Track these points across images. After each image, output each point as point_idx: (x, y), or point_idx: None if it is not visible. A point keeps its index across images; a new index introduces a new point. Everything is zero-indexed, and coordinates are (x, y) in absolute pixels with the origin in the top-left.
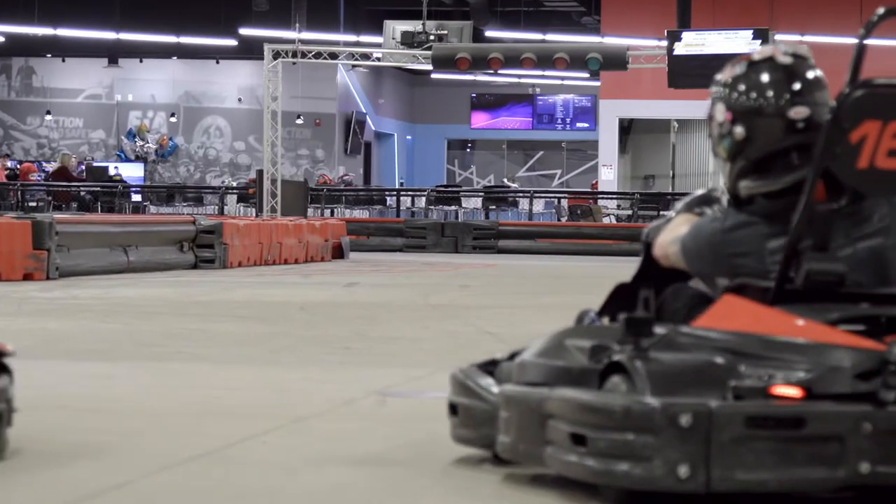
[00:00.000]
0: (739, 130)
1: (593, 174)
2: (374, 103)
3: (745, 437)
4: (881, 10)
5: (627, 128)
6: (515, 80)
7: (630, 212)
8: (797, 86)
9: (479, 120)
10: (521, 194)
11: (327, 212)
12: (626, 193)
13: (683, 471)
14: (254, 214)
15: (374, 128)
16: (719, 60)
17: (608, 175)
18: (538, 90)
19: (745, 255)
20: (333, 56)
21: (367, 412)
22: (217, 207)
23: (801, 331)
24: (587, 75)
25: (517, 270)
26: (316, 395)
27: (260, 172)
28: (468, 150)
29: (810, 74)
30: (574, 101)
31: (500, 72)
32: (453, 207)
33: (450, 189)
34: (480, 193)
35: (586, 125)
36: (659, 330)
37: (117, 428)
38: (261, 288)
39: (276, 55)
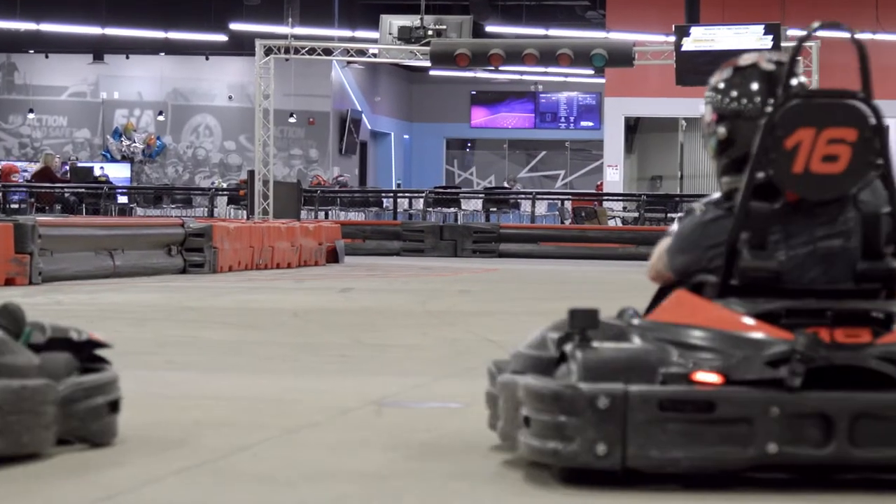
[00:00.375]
0: (723, 131)
1: (598, 175)
2: (370, 101)
3: (658, 419)
4: (815, 24)
5: (634, 127)
6: (517, 77)
7: (636, 214)
8: (777, 91)
9: (480, 118)
10: (522, 196)
11: (321, 214)
12: (632, 195)
13: (601, 449)
14: (245, 217)
15: (369, 127)
16: (729, 56)
17: (614, 176)
18: (541, 87)
19: (718, 246)
20: (328, 52)
21: (364, 422)
22: (206, 209)
23: (726, 322)
24: (592, 72)
25: (519, 275)
26: (310, 405)
27: (251, 173)
28: (468, 149)
29: (791, 81)
30: (578, 98)
31: (500, 68)
32: (452, 209)
33: (449, 190)
34: (481, 195)
35: (591, 124)
36: (612, 322)
37: None
38: (252, 293)
39: (268, 51)
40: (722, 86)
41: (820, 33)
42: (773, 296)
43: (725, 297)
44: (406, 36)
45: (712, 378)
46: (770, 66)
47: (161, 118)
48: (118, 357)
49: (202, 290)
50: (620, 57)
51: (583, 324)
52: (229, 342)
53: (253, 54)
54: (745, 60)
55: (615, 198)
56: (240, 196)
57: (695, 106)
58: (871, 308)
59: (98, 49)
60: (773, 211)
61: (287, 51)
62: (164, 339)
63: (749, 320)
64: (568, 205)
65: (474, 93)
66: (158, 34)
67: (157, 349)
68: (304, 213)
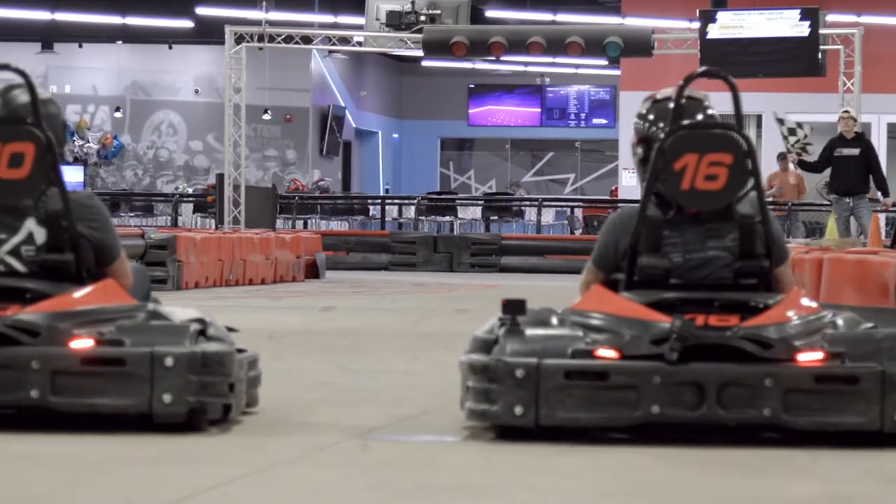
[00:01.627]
0: (640, 151)
1: (613, 179)
2: (354, 96)
3: (564, 386)
4: (701, 69)
5: None
6: (521, 68)
7: None
8: (683, 122)
9: (479, 115)
10: (527, 203)
11: (300, 223)
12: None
13: (518, 410)
14: (213, 226)
15: (354, 124)
16: (760, 45)
17: (630, 180)
18: (548, 80)
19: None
20: (307, 40)
21: (347, 459)
22: (170, 218)
23: (624, 310)
24: (605, 63)
25: (523, 292)
26: (287, 439)
27: (220, 177)
28: (465, 150)
29: (699, 115)
30: (590, 93)
31: (502, 59)
32: (448, 218)
33: (444, 196)
34: (480, 202)
35: (604, 121)
36: (539, 310)
37: (53, 477)
38: (222, 313)
39: (240, 39)
40: (643, 113)
41: (862, 19)
42: (666, 289)
43: (629, 290)
44: (395, 22)
45: (610, 353)
46: (681, 101)
47: (118, 115)
48: None
49: None
50: (638, 46)
51: (513, 311)
52: None
53: (222, 43)
54: (662, 94)
55: (632, 204)
56: (207, 203)
57: (722, 101)
58: (740, 299)
59: (47, 37)
60: (665, 220)
61: (261, 38)
62: None
63: (641, 308)
64: (578, 213)
65: (472, 86)
66: (115, 20)
67: None
68: (280, 223)
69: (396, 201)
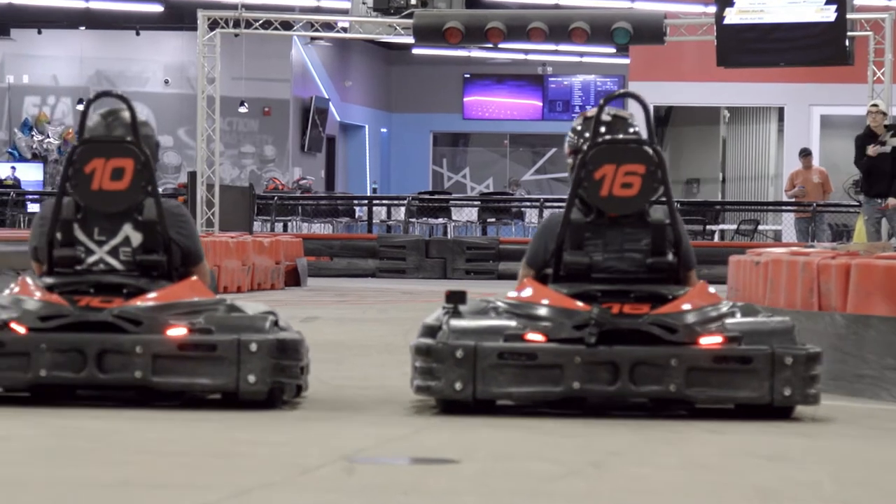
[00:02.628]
0: (570, 162)
1: None
2: (339, 87)
3: (498, 365)
4: (620, 91)
5: (665, 118)
6: (521, 56)
7: None
8: (606, 138)
9: (475, 108)
10: (527, 203)
11: (279, 226)
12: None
13: (458, 386)
14: None
15: (339, 118)
16: (782, 31)
17: None
18: (550, 70)
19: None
20: (287, 26)
21: (331, 483)
22: None
23: (551, 300)
24: (613, 51)
25: None
26: (266, 461)
27: (192, 175)
28: (460, 146)
29: (619, 134)
30: (596, 83)
31: (500, 46)
32: (441, 220)
33: (436, 197)
34: (476, 202)
35: None
36: (478, 300)
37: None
38: None
39: (214, 24)
40: (574, 127)
41: (895, 3)
42: (588, 282)
43: (556, 283)
44: (383, 6)
45: (538, 337)
46: (607, 118)
47: (81, 108)
48: (30, 403)
49: None
50: (648, 32)
51: (455, 301)
52: None
53: (194, 29)
54: (591, 112)
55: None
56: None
57: (740, 92)
58: (651, 291)
59: (3, 22)
60: (587, 223)
61: (237, 24)
62: None
63: (565, 299)
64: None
65: (468, 76)
66: (77, 3)
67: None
68: (257, 225)
69: (385, 202)
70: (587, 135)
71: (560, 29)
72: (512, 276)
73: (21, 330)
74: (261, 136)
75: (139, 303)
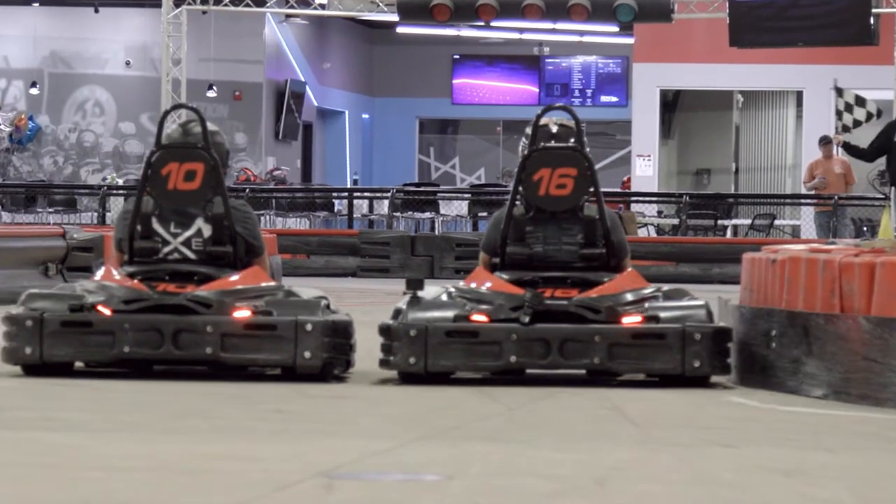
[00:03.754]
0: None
1: (625, 168)
2: (316, 69)
3: (446, 342)
4: (556, 105)
5: (672, 103)
6: (515, 35)
7: (676, 220)
8: (551, 143)
9: (465, 92)
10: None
11: None
12: (670, 195)
13: (412, 360)
14: None
15: (316, 103)
16: (800, 8)
17: (646, 169)
18: (547, 50)
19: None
20: (260, 2)
21: (309, 501)
22: (96, 215)
23: (494, 285)
24: (616, 30)
25: None
26: (237, 477)
27: None
28: (449, 133)
29: (565, 142)
30: (597, 65)
31: (493, 24)
32: (428, 215)
33: (423, 189)
34: (466, 195)
35: (614, 99)
36: (438, 286)
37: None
38: None
39: (180, 1)
40: (527, 133)
41: None
42: (528, 270)
43: (502, 270)
44: None
45: (481, 318)
46: (555, 128)
47: (35, 91)
48: None
49: None
50: (655, 9)
51: (414, 287)
52: (130, 393)
53: (159, 5)
54: (542, 122)
55: (647, 198)
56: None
57: (754, 75)
58: (583, 278)
59: None
60: (528, 218)
61: (205, 1)
62: (41, 390)
63: (506, 284)
64: None
65: (457, 57)
66: None
67: (30, 403)
68: None
69: (367, 195)
70: (532, 146)
71: (558, 5)
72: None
73: (107, 312)
74: (231, 123)
75: (209, 288)
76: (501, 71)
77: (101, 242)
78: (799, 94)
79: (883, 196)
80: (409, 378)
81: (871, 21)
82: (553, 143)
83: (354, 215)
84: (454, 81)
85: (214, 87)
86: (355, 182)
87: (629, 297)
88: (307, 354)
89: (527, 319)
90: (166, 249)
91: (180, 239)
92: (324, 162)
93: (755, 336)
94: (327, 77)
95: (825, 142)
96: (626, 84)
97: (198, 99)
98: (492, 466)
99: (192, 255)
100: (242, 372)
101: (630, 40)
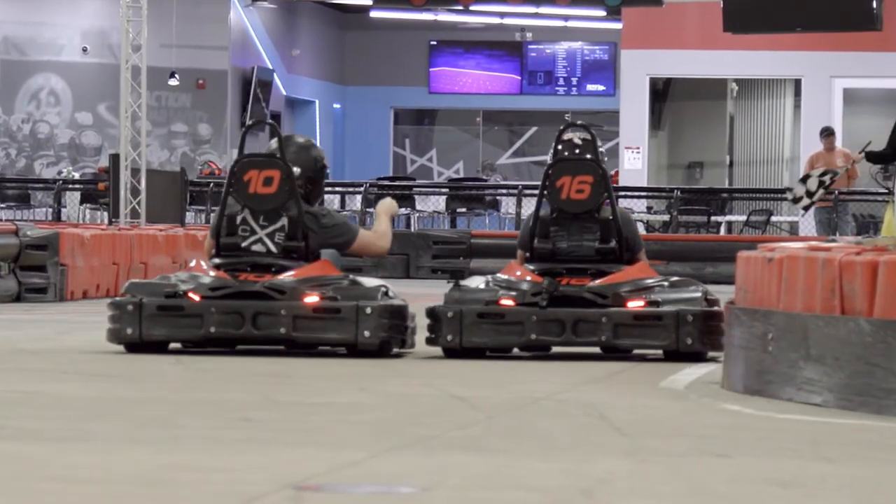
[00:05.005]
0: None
1: (612, 161)
2: (284, 55)
3: (477, 322)
4: (578, 122)
5: (663, 92)
6: (496, 20)
7: (667, 217)
8: (577, 151)
9: (442, 80)
10: (503, 191)
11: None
12: (660, 190)
13: (450, 338)
14: (106, 221)
15: (284, 92)
16: None
17: (634, 163)
18: (529, 36)
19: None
20: None
21: None
22: (51, 210)
23: (521, 275)
24: (603, 13)
25: None
26: (202, 490)
27: (115, 158)
28: (425, 124)
29: (587, 153)
30: (583, 52)
31: (472, 9)
32: (403, 211)
33: (398, 183)
34: (444, 189)
35: (601, 88)
36: (475, 277)
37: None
38: None
39: None
40: (553, 145)
41: None
42: (553, 262)
43: (531, 263)
44: None
45: (508, 302)
46: (578, 141)
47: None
48: None
49: (45, 326)
50: None
51: (456, 278)
52: (87, 399)
53: None
54: (567, 136)
55: (636, 193)
56: (99, 191)
57: (750, 62)
58: (598, 269)
59: None
60: (552, 219)
61: None
62: None
63: (531, 274)
64: None
65: (434, 43)
66: None
67: None
68: (190, 216)
69: (338, 189)
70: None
71: None
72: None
73: (196, 298)
74: (194, 113)
75: (284, 277)
76: (481, 58)
77: (56, 240)
78: (797, 83)
79: (886, 191)
80: (450, 353)
81: (875, 4)
82: (573, 155)
83: None
84: (431, 69)
85: (176, 75)
86: (326, 176)
87: (635, 285)
88: (367, 334)
89: (545, 303)
90: (252, 239)
91: (265, 231)
92: None
93: (750, 339)
94: (296, 64)
95: (826, 133)
96: (613, 72)
97: (159, 87)
98: (471, 478)
99: (272, 247)
100: (312, 350)
101: (618, 25)
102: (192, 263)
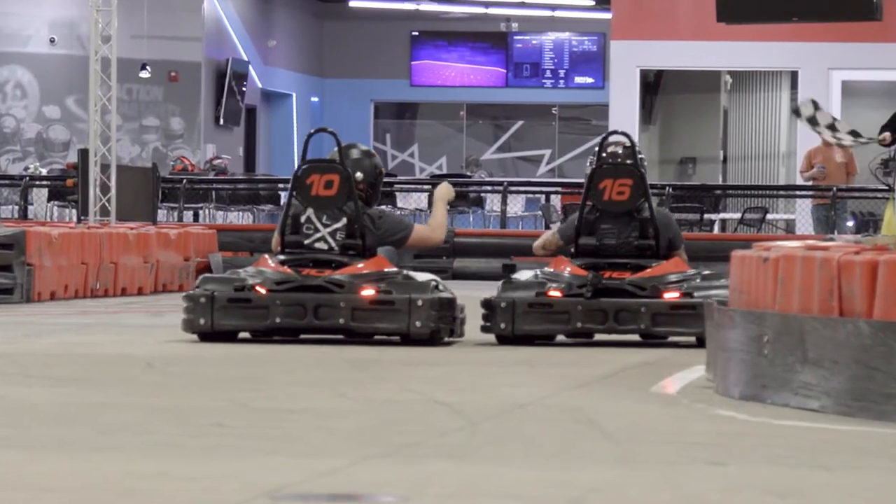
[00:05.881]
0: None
1: None
2: (260, 47)
3: (528, 311)
4: (621, 131)
5: (654, 85)
6: (480, 10)
7: None
8: (617, 160)
9: (424, 73)
10: (488, 187)
11: (189, 215)
12: (651, 186)
13: (503, 326)
14: (75, 219)
15: (260, 84)
16: None
17: None
18: (515, 26)
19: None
20: None
21: None
22: (17, 208)
23: (571, 269)
24: (592, 3)
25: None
26: (173, 499)
27: (84, 153)
28: (407, 118)
29: (628, 159)
30: (571, 43)
31: None
32: (383, 207)
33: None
34: (426, 186)
35: (590, 80)
36: (526, 270)
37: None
38: (86, 334)
39: None
40: (595, 151)
41: None
42: (596, 258)
43: (575, 258)
44: None
45: (556, 294)
46: (619, 149)
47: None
48: None
49: (11, 328)
50: None
51: (509, 271)
52: (53, 405)
53: None
54: (611, 147)
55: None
56: (67, 188)
57: (745, 54)
58: (637, 263)
59: None
60: (596, 218)
61: None
62: None
63: (577, 268)
64: (556, 200)
65: (416, 34)
66: None
67: None
68: (162, 214)
69: None
70: (597, 160)
71: None
72: (470, 276)
73: (263, 291)
74: (166, 107)
75: (343, 273)
76: (465, 49)
77: (22, 239)
78: (794, 75)
79: (887, 187)
80: (502, 339)
81: None
82: (614, 161)
83: None
84: (413, 61)
85: (148, 67)
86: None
87: (671, 278)
88: (418, 324)
89: (589, 294)
90: (316, 236)
91: (328, 230)
92: (269, 150)
93: (745, 342)
94: (273, 56)
95: None
96: (602, 64)
97: (130, 80)
98: (453, 487)
99: (333, 244)
100: (369, 339)
101: (607, 15)
102: (259, 260)
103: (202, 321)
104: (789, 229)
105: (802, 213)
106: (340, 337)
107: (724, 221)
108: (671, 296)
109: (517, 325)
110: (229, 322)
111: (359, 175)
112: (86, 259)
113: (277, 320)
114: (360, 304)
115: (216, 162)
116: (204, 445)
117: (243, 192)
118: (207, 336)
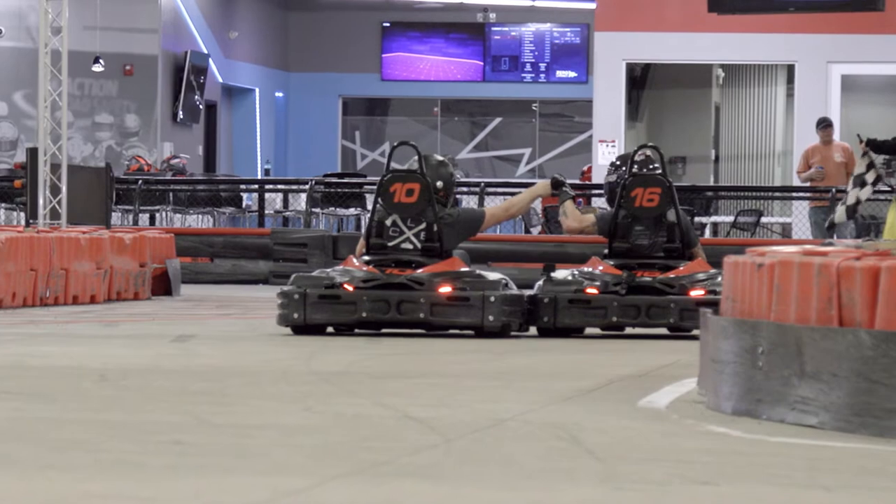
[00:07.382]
0: (609, 179)
1: (585, 156)
2: (221, 39)
3: (568, 306)
4: (650, 144)
5: (641, 79)
6: (456, 0)
7: None
8: (638, 168)
9: (396, 66)
10: (464, 188)
11: (144, 218)
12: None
13: (546, 319)
14: (23, 222)
15: (221, 79)
16: None
17: (609, 157)
18: (493, 16)
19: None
20: None
21: None
22: None
23: (603, 268)
24: None
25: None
26: None
27: (33, 152)
28: (377, 115)
29: (650, 166)
30: (552, 35)
31: None
32: (353, 211)
33: (347, 181)
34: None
35: (573, 75)
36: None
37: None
38: (34, 344)
39: None
40: (614, 162)
41: None
42: (628, 258)
43: (608, 258)
44: None
45: (593, 290)
46: (641, 158)
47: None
48: None
49: None
50: None
51: (548, 270)
52: (1, 420)
53: None
54: (639, 155)
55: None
56: (15, 189)
57: (738, 46)
58: (665, 264)
59: None
60: (627, 222)
61: None
62: None
63: (611, 268)
64: (537, 203)
65: (387, 25)
66: None
67: None
68: (116, 217)
69: (281, 187)
70: (623, 168)
71: None
72: None
73: (350, 288)
74: (121, 103)
75: (422, 272)
76: (439, 41)
77: None
78: (790, 69)
79: (889, 189)
80: (544, 332)
81: None
82: (646, 170)
83: (266, 211)
84: (384, 54)
85: (101, 61)
86: (267, 172)
87: (698, 276)
88: (491, 318)
89: (624, 291)
90: (401, 238)
91: (412, 231)
92: (230, 149)
93: (739, 354)
94: (234, 49)
95: (823, 125)
96: (586, 57)
97: (82, 74)
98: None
99: (417, 245)
100: (446, 332)
101: (591, 5)
102: (346, 260)
103: (296, 315)
104: (785, 233)
105: (799, 216)
106: (420, 331)
107: (715, 225)
108: (697, 293)
109: (559, 319)
110: (320, 316)
111: (439, 183)
112: (35, 265)
113: (364, 315)
114: (439, 300)
115: (174, 161)
116: (162, 463)
117: (203, 193)
118: (300, 329)
